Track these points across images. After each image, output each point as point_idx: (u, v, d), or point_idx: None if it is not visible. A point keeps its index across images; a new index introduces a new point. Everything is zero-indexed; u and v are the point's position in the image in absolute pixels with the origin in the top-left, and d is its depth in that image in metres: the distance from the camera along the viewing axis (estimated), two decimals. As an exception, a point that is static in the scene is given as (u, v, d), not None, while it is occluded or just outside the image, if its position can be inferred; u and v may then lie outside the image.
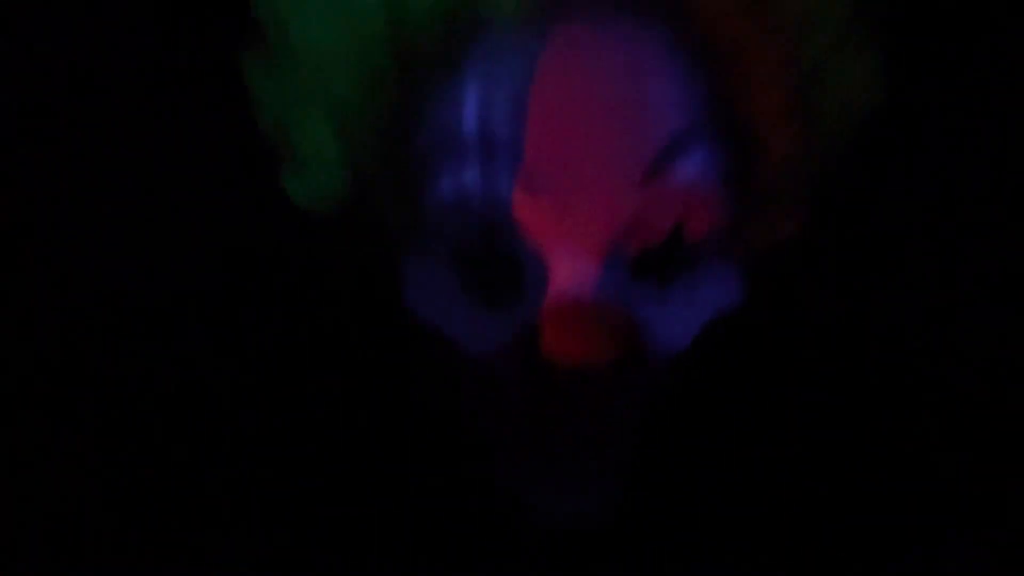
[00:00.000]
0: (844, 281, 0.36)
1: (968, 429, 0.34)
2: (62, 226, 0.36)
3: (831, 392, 0.35)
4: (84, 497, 0.33)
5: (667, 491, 0.35)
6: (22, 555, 0.32)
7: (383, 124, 0.27)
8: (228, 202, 0.34)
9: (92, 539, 0.32)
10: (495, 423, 0.32)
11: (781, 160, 0.29)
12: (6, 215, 0.35)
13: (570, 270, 0.27)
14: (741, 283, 0.31)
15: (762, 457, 0.35)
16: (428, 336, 0.31)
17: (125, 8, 0.34)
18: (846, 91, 0.29)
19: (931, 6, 0.34)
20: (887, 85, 0.29)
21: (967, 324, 0.35)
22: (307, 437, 0.34)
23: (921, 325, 0.35)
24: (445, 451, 0.34)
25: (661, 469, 0.34)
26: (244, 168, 0.32)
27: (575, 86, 0.25)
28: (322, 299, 0.34)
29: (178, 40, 0.34)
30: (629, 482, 0.33)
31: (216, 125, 0.33)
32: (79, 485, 0.33)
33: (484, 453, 0.33)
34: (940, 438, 0.35)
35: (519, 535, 0.32)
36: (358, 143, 0.27)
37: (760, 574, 0.33)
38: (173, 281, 0.35)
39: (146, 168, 0.35)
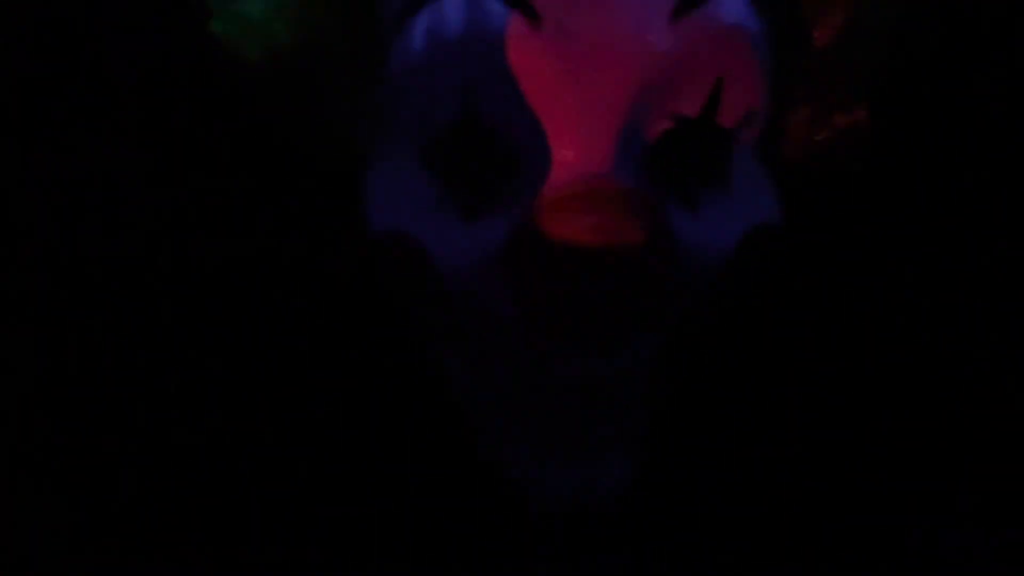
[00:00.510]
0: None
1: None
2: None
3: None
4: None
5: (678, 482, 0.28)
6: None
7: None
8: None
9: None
10: (484, 371, 0.24)
11: (828, 42, 0.24)
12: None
13: (582, 146, 0.21)
14: (781, 203, 0.25)
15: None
16: (398, 264, 0.24)
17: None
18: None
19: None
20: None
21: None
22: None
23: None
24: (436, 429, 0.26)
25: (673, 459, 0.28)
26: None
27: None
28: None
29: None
30: (645, 460, 0.25)
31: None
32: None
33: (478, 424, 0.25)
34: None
35: (519, 526, 0.24)
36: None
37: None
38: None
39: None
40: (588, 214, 0.20)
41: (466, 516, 0.27)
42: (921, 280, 0.30)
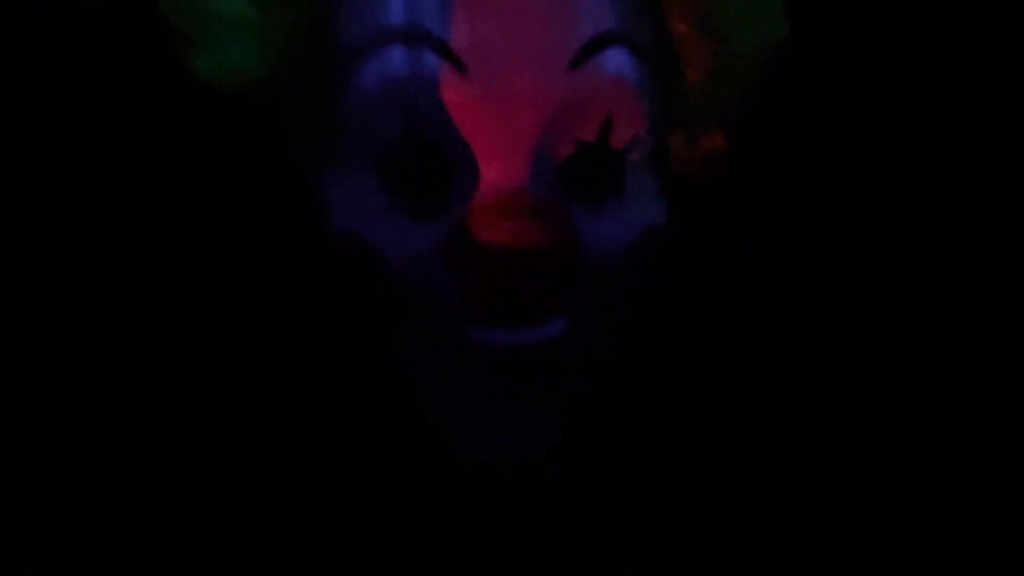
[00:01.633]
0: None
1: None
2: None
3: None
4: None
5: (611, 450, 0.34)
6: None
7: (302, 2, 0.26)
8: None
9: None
10: (425, 348, 0.30)
11: (698, 81, 0.31)
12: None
13: (502, 165, 0.27)
14: (667, 206, 0.32)
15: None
16: (352, 251, 0.29)
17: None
18: (752, 26, 0.32)
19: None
20: (789, 27, 0.32)
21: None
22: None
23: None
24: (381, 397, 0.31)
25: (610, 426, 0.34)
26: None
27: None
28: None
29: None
30: (577, 429, 0.31)
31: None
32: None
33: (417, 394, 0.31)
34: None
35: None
36: (274, 17, 0.26)
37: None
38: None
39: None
40: (508, 220, 0.26)
41: (415, 485, 0.32)
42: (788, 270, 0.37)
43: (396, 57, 0.26)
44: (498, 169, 0.27)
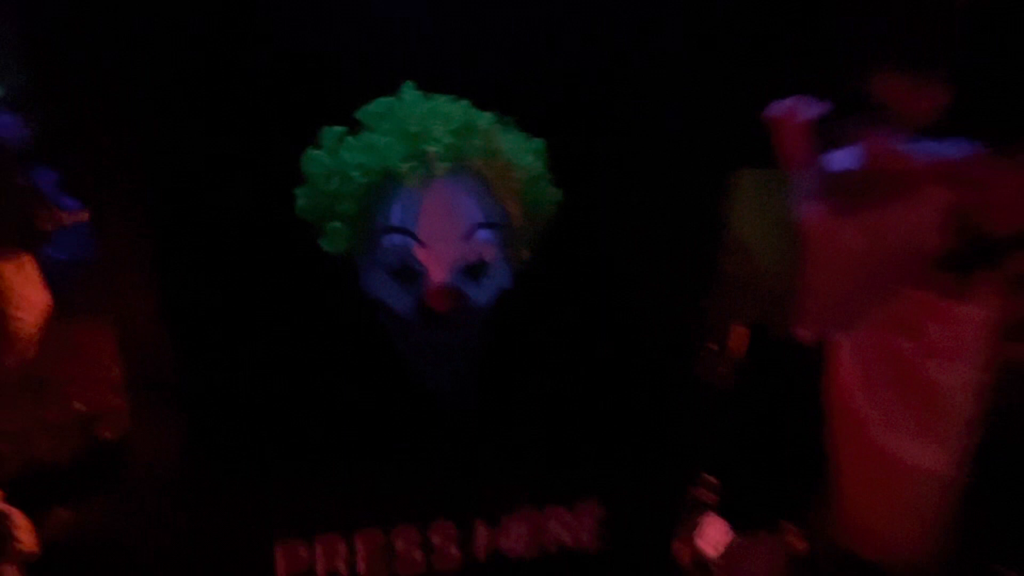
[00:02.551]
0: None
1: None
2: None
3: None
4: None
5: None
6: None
7: (361, 220, 0.69)
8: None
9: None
10: (407, 339, 0.75)
11: (519, 228, 0.75)
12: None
13: (437, 275, 0.71)
14: (510, 279, 0.76)
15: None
16: (374, 304, 0.73)
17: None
18: (542, 199, 0.75)
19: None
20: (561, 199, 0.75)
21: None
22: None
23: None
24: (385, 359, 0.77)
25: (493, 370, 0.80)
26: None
27: (437, 203, 0.69)
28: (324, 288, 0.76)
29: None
30: (476, 372, 0.78)
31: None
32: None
33: (404, 356, 0.76)
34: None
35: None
36: (351, 227, 0.69)
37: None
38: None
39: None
40: (439, 296, 0.70)
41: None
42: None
43: (396, 236, 0.69)
44: (436, 276, 0.71)
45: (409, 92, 0.66)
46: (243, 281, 0.70)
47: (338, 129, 0.67)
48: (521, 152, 0.70)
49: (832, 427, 1.14)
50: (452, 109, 0.66)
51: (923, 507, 1.09)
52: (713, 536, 1.46)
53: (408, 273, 0.71)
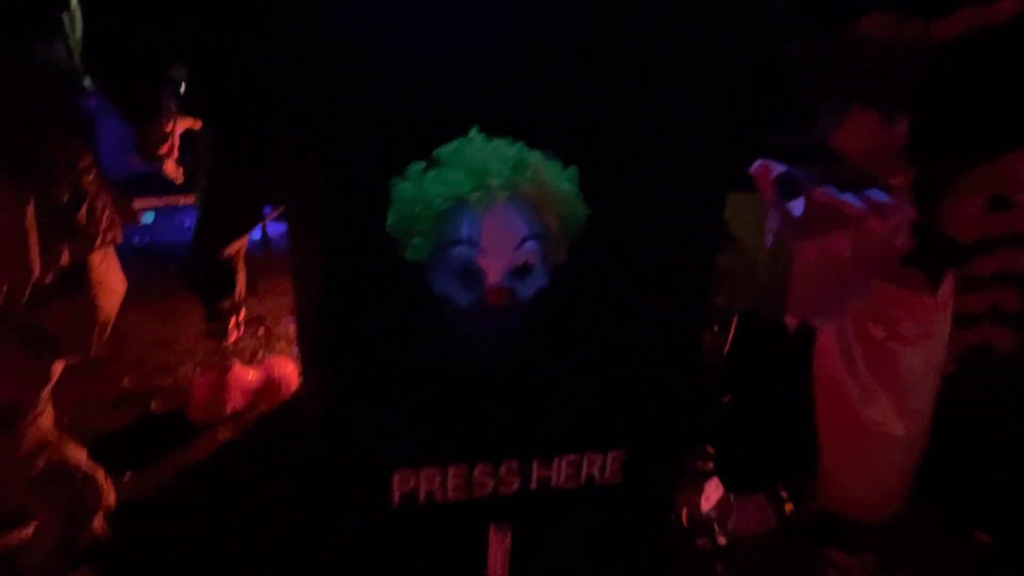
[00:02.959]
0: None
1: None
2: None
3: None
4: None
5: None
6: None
7: (436, 235, 0.86)
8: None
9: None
10: (468, 327, 0.92)
11: (556, 238, 0.92)
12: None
13: (494, 277, 0.88)
14: (549, 277, 0.93)
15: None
16: (444, 300, 0.90)
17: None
18: (575, 214, 0.91)
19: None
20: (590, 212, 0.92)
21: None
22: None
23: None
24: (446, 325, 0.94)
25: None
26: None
27: (496, 222, 0.85)
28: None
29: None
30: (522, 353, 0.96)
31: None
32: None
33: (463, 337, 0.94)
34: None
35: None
36: (428, 240, 0.86)
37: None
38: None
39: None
40: (495, 294, 0.87)
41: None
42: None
43: (463, 247, 0.86)
44: (493, 277, 0.88)
45: (475, 135, 0.83)
46: (365, 278, 0.89)
47: (420, 164, 0.84)
48: (560, 180, 0.87)
49: (817, 402, 1.34)
50: (508, 150, 0.83)
51: (895, 470, 1.28)
52: (712, 497, 1.66)
53: (470, 275, 0.88)
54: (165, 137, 1.27)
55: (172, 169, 1.35)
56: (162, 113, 1.21)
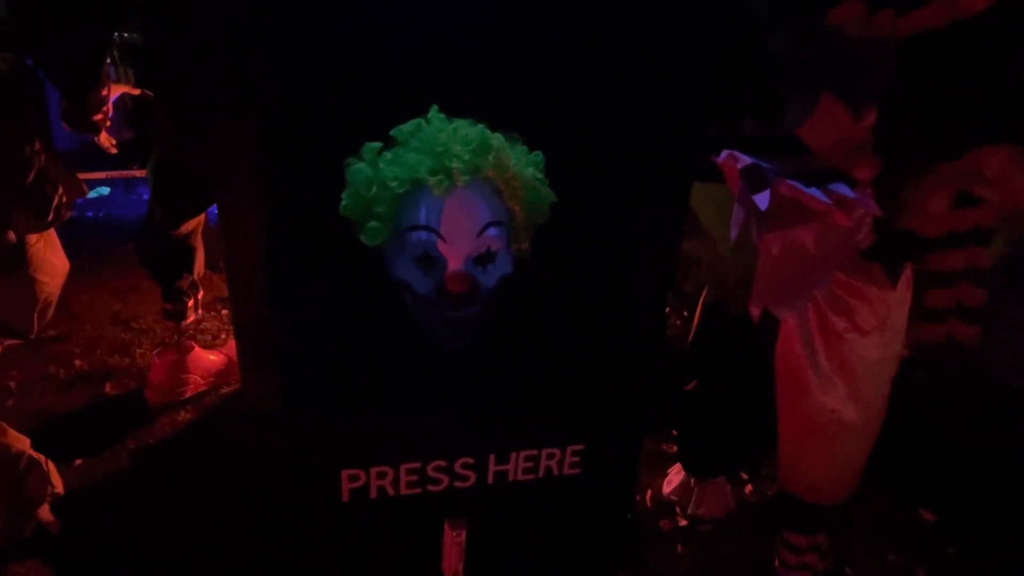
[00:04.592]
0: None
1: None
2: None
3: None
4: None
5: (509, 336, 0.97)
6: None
7: (393, 219, 0.82)
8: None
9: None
10: (427, 315, 0.90)
11: (520, 225, 0.89)
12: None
13: (454, 263, 0.85)
14: (513, 265, 0.91)
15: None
16: (403, 287, 0.88)
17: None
18: (540, 201, 0.89)
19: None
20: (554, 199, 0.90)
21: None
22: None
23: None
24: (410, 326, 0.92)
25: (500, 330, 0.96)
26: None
27: (456, 207, 0.83)
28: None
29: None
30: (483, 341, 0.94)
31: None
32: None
33: (422, 326, 0.91)
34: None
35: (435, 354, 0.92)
36: (385, 224, 0.82)
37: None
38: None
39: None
40: (456, 281, 0.85)
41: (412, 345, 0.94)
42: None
43: (422, 233, 0.83)
44: (454, 264, 0.85)
45: (435, 115, 0.79)
46: (310, 264, 0.85)
47: (376, 144, 0.80)
48: (524, 164, 0.84)
49: (778, 389, 1.35)
50: (470, 131, 0.79)
51: (849, 456, 1.31)
52: (674, 480, 1.68)
53: (430, 262, 0.86)
54: (99, 105, 1.16)
55: (106, 140, 1.25)
56: (101, 80, 1.12)
